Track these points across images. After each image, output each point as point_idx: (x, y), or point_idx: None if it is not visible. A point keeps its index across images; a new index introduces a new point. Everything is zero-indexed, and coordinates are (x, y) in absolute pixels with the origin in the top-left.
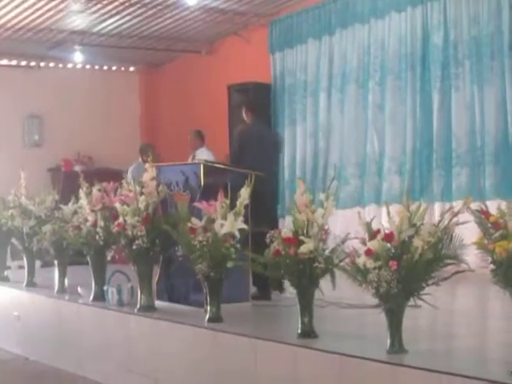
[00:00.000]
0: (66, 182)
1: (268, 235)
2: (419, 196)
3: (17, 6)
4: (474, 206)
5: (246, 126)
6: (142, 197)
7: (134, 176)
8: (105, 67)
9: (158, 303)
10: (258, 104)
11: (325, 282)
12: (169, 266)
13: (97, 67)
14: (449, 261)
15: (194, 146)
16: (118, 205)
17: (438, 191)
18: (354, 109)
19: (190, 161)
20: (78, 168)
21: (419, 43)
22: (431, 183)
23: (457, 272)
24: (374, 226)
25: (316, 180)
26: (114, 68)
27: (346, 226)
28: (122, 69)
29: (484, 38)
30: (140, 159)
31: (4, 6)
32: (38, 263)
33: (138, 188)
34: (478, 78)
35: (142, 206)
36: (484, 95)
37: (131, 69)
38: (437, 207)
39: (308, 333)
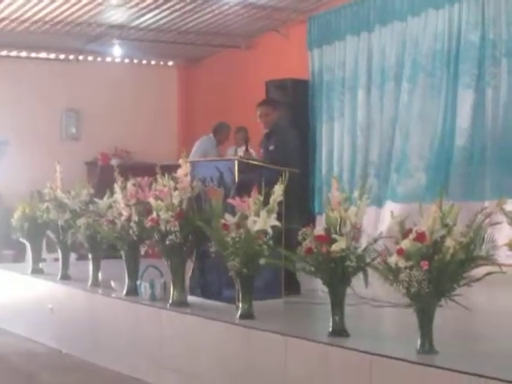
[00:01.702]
0: (103, 176)
1: (300, 233)
2: (453, 195)
3: (54, 0)
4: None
5: (287, 122)
6: (176, 192)
7: (203, 150)
8: (143, 61)
9: (190, 298)
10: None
11: (357, 281)
12: (202, 261)
13: (135, 61)
14: (481, 262)
15: (241, 143)
16: (151, 200)
17: (472, 190)
18: (393, 106)
19: (230, 155)
20: (114, 162)
21: (455, 41)
22: (466, 182)
23: (488, 273)
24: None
25: (354, 178)
26: (152, 62)
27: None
28: (161, 63)
29: None
30: (211, 135)
31: (42, 0)
32: (73, 256)
33: (171, 183)
34: None
35: (175, 201)
36: None
37: (170, 63)
38: (470, 206)
39: (339, 331)
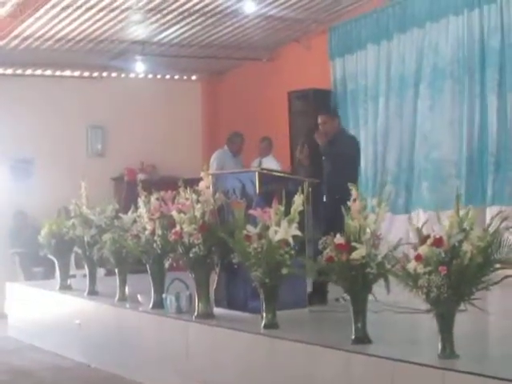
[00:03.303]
0: (129, 191)
1: (320, 241)
2: (478, 200)
3: (76, 18)
4: None
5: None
6: (199, 205)
7: (218, 163)
8: (167, 76)
9: (217, 310)
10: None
11: (379, 288)
12: (227, 273)
13: (159, 76)
14: (498, 265)
15: (265, 154)
16: (174, 213)
17: (505, 195)
18: (413, 113)
19: (254, 167)
20: (141, 177)
21: (477, 46)
22: (490, 187)
23: (507, 276)
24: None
25: (376, 185)
26: (176, 77)
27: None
28: (185, 77)
29: None
30: (226, 147)
31: (64, 19)
32: (102, 271)
33: (194, 196)
34: None
35: (198, 214)
36: None
37: (193, 77)
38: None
39: (362, 338)
